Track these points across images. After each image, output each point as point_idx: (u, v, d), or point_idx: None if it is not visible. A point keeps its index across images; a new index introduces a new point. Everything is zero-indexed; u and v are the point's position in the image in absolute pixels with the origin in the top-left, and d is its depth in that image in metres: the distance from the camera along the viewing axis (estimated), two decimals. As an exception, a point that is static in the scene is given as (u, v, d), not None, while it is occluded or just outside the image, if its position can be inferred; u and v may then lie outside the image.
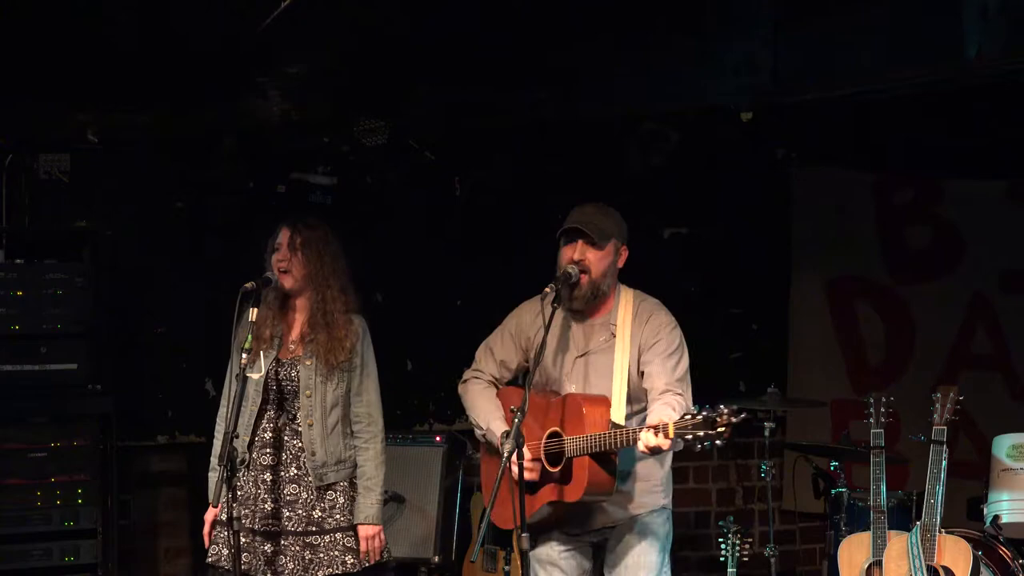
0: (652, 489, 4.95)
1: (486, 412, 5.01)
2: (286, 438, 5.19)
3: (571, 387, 4.91)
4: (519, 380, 5.13)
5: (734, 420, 4.39)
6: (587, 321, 4.95)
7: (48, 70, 5.92)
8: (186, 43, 5.71)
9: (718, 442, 4.40)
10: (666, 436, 4.46)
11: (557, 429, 4.82)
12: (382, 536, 5.20)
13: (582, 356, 4.93)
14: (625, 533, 4.93)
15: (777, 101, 6.15)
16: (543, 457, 4.84)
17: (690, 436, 4.41)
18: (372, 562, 5.19)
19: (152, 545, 6.96)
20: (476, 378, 5.13)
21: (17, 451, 6.20)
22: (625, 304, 4.92)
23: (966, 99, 7.12)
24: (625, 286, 5.00)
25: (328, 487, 5.19)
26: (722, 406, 4.42)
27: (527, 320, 5.05)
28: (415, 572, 6.72)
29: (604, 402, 4.78)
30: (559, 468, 4.79)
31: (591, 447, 4.67)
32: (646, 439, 4.51)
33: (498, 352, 5.10)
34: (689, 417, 4.43)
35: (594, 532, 4.96)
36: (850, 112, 7.30)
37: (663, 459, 4.96)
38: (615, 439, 4.62)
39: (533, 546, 4.89)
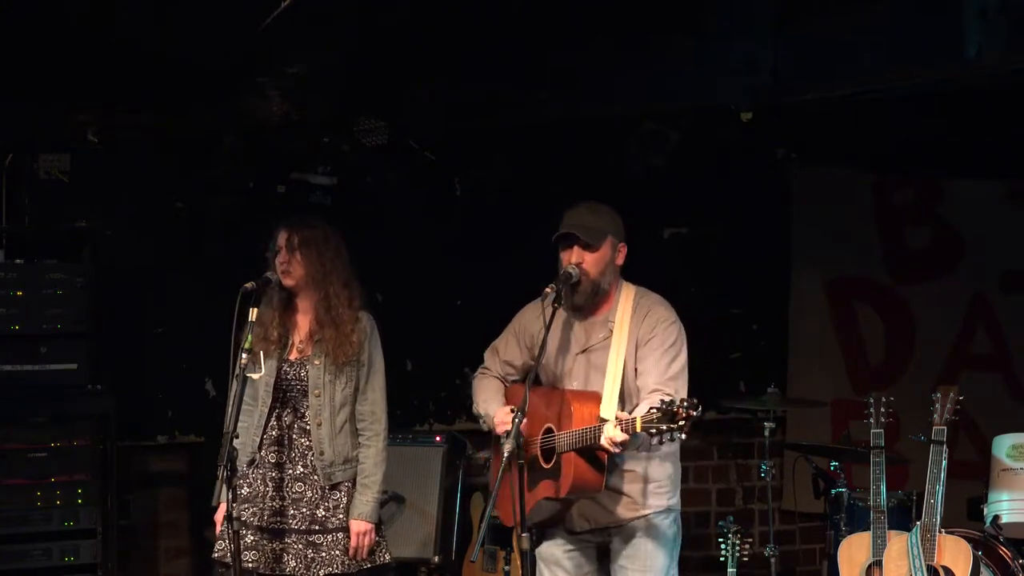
0: (656, 490, 4.94)
1: (486, 399, 5.07)
2: (294, 436, 5.21)
3: (572, 384, 4.93)
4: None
5: (693, 413, 4.42)
6: (588, 319, 4.96)
7: (48, 70, 5.93)
8: (186, 43, 5.71)
9: (681, 435, 4.44)
10: (632, 431, 4.48)
11: (551, 425, 4.84)
12: (373, 535, 5.19)
13: (582, 353, 4.95)
14: (631, 535, 4.93)
15: (777, 101, 6.16)
16: (539, 453, 4.85)
17: (654, 430, 4.44)
18: (360, 559, 5.19)
19: (152, 545, 6.96)
20: (483, 375, 5.19)
21: (17, 451, 6.20)
22: (625, 300, 4.94)
23: (966, 99, 7.13)
24: (628, 283, 5.01)
25: (334, 486, 5.20)
26: (682, 399, 4.45)
27: (530, 320, 5.07)
28: (415, 572, 6.72)
29: (594, 398, 4.80)
30: (551, 464, 4.80)
31: (573, 443, 4.69)
32: (609, 434, 4.54)
33: (503, 352, 5.15)
34: (654, 411, 4.46)
35: (598, 532, 4.96)
36: (850, 112, 7.30)
37: (668, 459, 4.96)
38: (590, 435, 4.64)
39: (538, 543, 4.93)
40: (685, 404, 4.42)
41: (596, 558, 5.03)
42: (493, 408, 5.01)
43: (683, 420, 4.41)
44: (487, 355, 5.20)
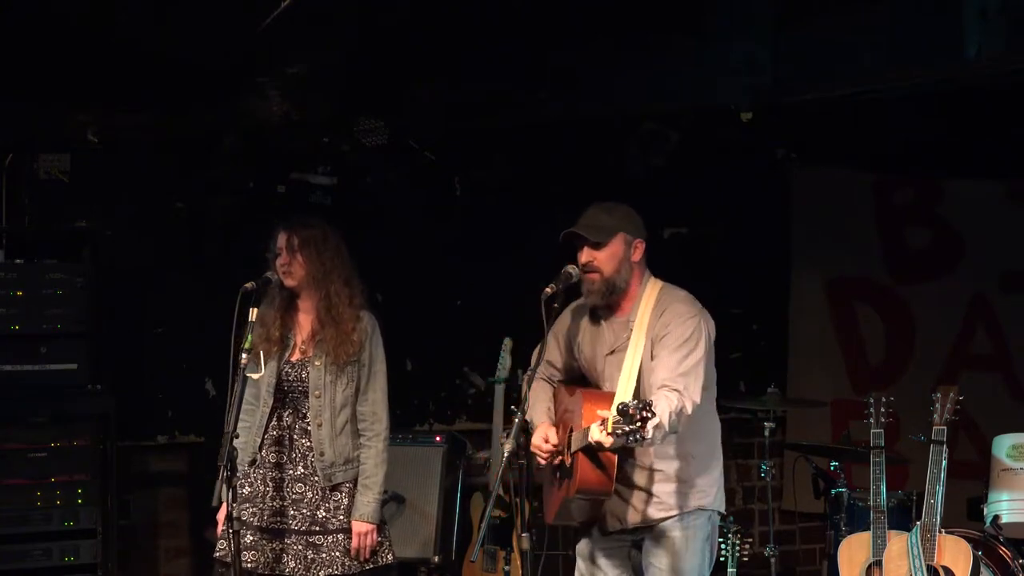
0: (683, 490, 4.89)
1: (533, 405, 5.02)
2: (295, 437, 5.21)
3: (606, 385, 4.92)
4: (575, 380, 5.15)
5: (646, 414, 4.35)
6: (612, 319, 4.94)
7: (48, 70, 5.93)
8: (186, 43, 5.71)
9: (639, 437, 4.37)
10: (608, 432, 4.43)
11: (573, 425, 4.85)
12: (374, 536, 5.19)
13: (611, 354, 4.93)
14: (660, 536, 4.89)
15: (777, 101, 6.16)
16: (565, 453, 4.85)
17: (620, 431, 4.39)
18: (362, 560, 5.19)
19: (152, 545, 6.96)
20: (529, 377, 5.14)
21: (17, 451, 6.21)
22: (648, 299, 4.89)
23: (966, 99, 7.14)
24: (655, 279, 4.95)
25: (335, 487, 5.20)
26: (640, 400, 4.40)
27: (567, 320, 5.06)
28: (415, 572, 6.72)
29: (608, 398, 4.77)
30: (571, 463, 4.81)
31: (578, 443, 4.70)
32: (591, 433, 4.52)
33: (545, 352, 5.08)
34: (616, 413, 4.40)
35: (628, 532, 4.95)
36: (850, 112, 7.30)
37: (697, 459, 4.91)
38: (586, 435, 4.62)
39: (577, 540, 5.00)
40: (639, 406, 4.36)
41: (630, 557, 5.01)
42: (538, 417, 4.99)
43: (639, 422, 4.35)
44: (534, 355, 5.11)
